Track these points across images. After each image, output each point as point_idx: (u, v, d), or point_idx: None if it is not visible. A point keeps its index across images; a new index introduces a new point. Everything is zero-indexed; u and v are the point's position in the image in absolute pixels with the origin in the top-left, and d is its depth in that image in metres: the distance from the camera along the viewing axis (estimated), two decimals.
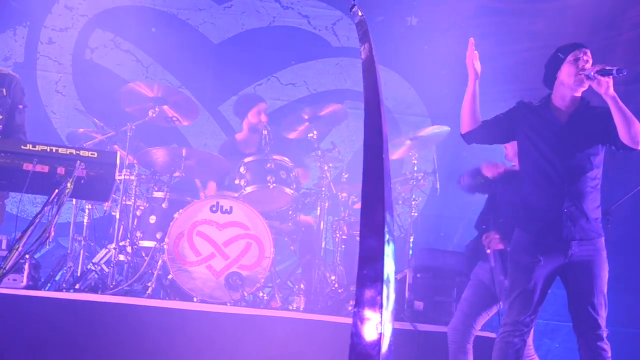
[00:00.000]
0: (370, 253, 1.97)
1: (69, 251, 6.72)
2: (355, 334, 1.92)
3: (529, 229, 4.67)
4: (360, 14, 2.57)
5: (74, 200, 6.65)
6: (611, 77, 4.35)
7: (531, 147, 4.69)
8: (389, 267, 2.00)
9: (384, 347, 1.93)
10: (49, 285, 6.55)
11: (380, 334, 1.92)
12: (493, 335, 5.59)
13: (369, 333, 1.92)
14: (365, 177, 2.06)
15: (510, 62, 8.75)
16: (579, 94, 4.62)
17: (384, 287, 1.96)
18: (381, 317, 1.92)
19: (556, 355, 8.19)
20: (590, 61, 4.55)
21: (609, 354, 4.45)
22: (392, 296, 2.03)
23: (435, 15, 9.08)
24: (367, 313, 1.93)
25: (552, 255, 4.55)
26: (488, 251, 5.27)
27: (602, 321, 4.47)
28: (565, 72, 4.59)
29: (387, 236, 2.00)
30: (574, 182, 4.55)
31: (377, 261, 1.96)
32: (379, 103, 2.13)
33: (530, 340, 5.14)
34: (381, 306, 1.93)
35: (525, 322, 4.55)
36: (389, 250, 2.01)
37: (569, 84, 4.59)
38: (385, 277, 1.97)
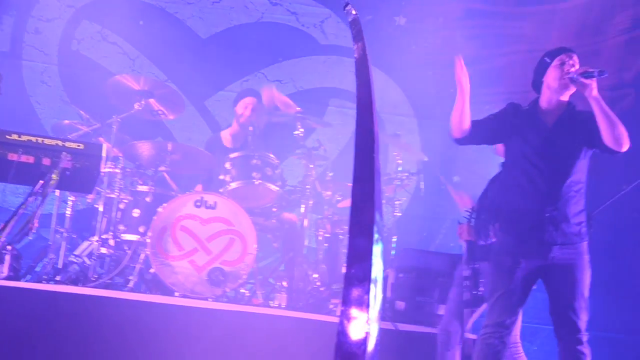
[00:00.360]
0: (358, 252, 1.97)
1: (50, 243, 6.67)
2: (342, 333, 1.92)
3: (511, 231, 4.70)
4: (353, 12, 2.56)
5: (57, 191, 6.61)
6: (594, 79, 4.39)
7: (517, 150, 4.72)
8: (377, 267, 2.00)
9: (370, 346, 1.93)
10: (29, 276, 6.50)
11: (367, 333, 1.92)
12: (474, 336, 5.61)
13: (355, 332, 1.92)
14: (356, 176, 2.05)
15: (498, 65, 8.78)
16: (565, 98, 4.66)
17: (372, 286, 1.96)
18: (368, 317, 1.92)
19: (535, 358, 8.21)
20: (577, 65, 4.59)
21: (589, 358, 4.47)
22: (380, 296, 2.03)
23: (424, 16, 9.09)
24: (354, 312, 1.93)
25: (533, 258, 4.58)
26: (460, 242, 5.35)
27: (583, 325, 4.49)
28: (551, 76, 4.63)
29: (376, 236, 2.00)
30: (558, 186, 4.58)
31: (365, 260, 1.96)
32: (371, 102, 2.13)
33: (517, 338, 5.16)
34: (368, 305, 1.93)
35: (505, 324, 4.57)
36: (377, 250, 2.01)
37: (554, 88, 4.62)
38: (373, 276, 1.97)
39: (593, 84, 4.39)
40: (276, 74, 9.23)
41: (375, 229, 1.99)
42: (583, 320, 4.50)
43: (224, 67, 9.11)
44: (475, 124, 4.79)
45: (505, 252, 4.64)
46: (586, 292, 4.54)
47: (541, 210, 4.57)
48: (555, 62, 4.62)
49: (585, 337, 4.48)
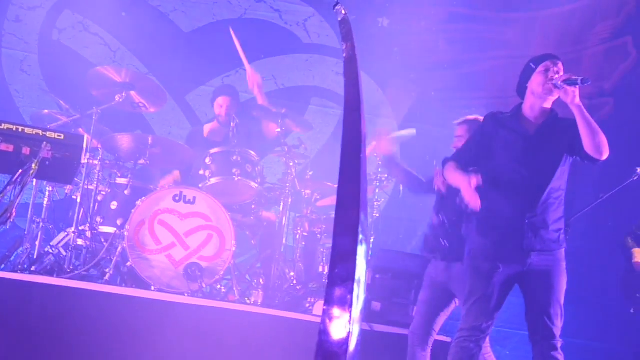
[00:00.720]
0: (343, 252, 1.97)
1: (26, 232, 6.63)
2: (323, 332, 1.92)
3: (490, 236, 4.70)
4: (343, 12, 2.55)
5: (34, 181, 6.55)
6: (577, 86, 4.41)
7: (498, 156, 4.71)
8: (361, 267, 2.01)
9: (351, 346, 1.94)
10: (3, 265, 6.46)
11: (349, 333, 1.92)
12: (449, 339, 5.63)
13: (337, 331, 1.92)
14: (342, 177, 2.05)
15: (478, 70, 8.81)
16: (548, 105, 4.67)
17: (355, 286, 1.96)
18: (350, 316, 1.92)
19: None
20: (561, 72, 4.60)
21: None
22: (362, 296, 2.03)
23: (407, 18, 9.10)
24: (336, 311, 1.93)
25: (510, 263, 4.59)
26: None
27: (558, 331, 4.52)
28: (535, 82, 4.64)
29: (360, 236, 2.00)
30: (538, 193, 4.59)
31: (349, 261, 1.96)
32: (360, 103, 2.13)
33: (487, 341, 5.18)
34: (351, 305, 1.93)
35: (481, 328, 4.58)
36: (361, 250, 2.01)
37: (538, 94, 4.63)
38: (356, 277, 1.97)
39: (576, 91, 4.41)
40: (258, 71, 9.07)
41: (360, 229, 2.00)
42: (558, 326, 4.52)
43: (206, 62, 9.07)
44: (459, 158, 4.82)
45: (484, 257, 4.65)
46: (562, 298, 4.56)
47: (521, 216, 4.58)
48: (540, 68, 4.63)
49: (559, 343, 4.50)
